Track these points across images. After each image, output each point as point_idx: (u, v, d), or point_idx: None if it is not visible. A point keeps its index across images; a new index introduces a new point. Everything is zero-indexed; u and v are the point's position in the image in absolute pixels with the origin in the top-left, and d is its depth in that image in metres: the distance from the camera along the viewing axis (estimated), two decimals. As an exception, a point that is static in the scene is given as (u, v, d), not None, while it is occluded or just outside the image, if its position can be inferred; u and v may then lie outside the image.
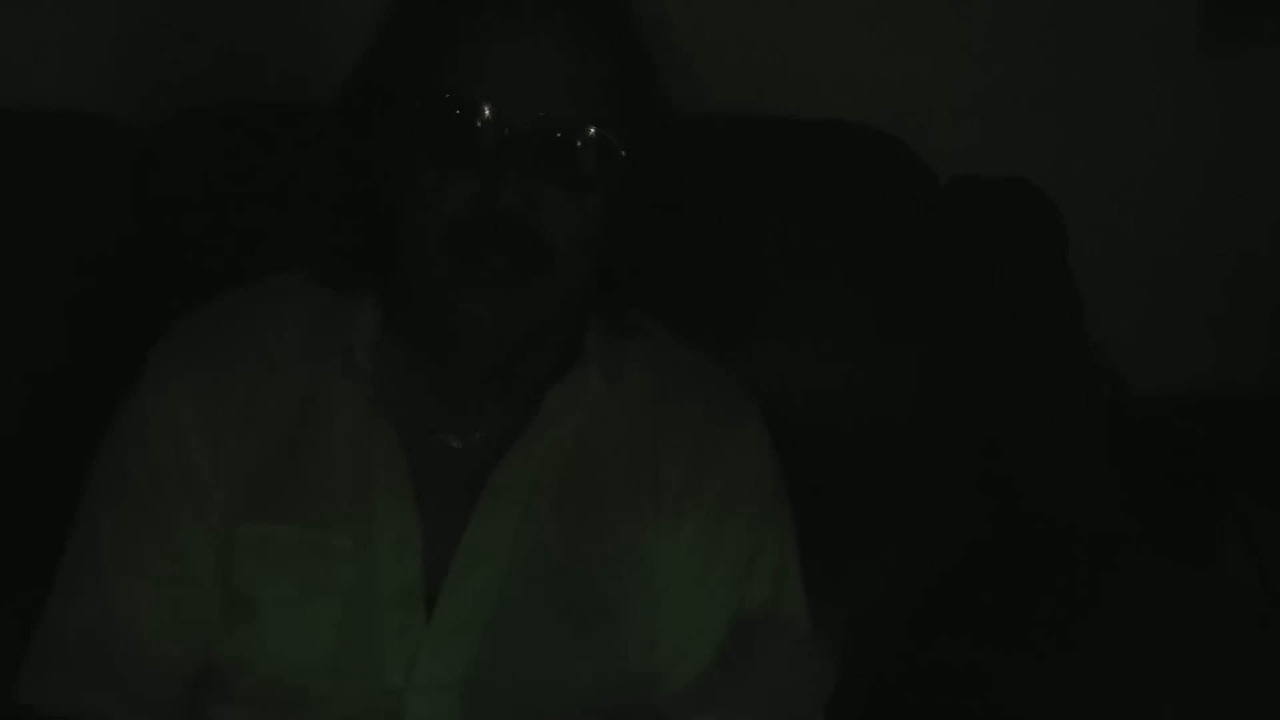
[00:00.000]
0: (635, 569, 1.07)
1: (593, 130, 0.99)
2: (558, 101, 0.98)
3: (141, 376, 1.08)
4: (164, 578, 1.04)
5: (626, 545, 1.07)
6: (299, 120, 1.36)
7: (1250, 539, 1.68)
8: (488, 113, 0.97)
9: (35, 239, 1.37)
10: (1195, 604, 1.31)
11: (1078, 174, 1.72)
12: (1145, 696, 1.17)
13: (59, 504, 1.08)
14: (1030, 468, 1.50)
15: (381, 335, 1.08)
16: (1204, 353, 1.87)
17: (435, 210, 0.99)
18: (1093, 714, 1.19)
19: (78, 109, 1.45)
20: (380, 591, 1.03)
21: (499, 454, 1.07)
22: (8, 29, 1.54)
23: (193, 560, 1.04)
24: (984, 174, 1.58)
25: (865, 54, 1.72)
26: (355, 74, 1.06)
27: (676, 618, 1.08)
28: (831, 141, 1.52)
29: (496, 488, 1.06)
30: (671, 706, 1.08)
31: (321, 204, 1.08)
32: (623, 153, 1.01)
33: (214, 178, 1.39)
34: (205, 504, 1.04)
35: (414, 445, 1.06)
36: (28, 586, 1.07)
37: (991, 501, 1.47)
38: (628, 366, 1.11)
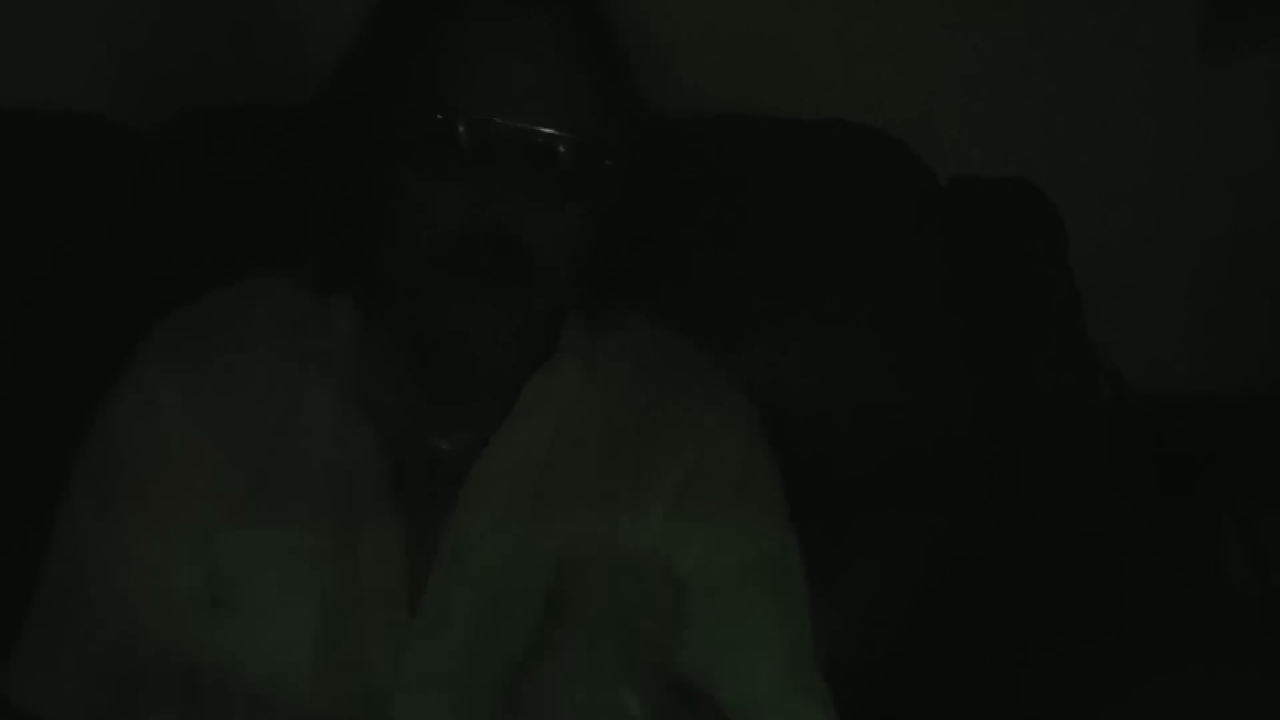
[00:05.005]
0: (620, 560, 1.07)
1: (578, 140, 0.98)
2: (543, 112, 0.98)
3: (120, 379, 1.08)
4: (146, 581, 1.04)
5: (609, 536, 1.07)
6: (299, 121, 1.36)
7: (1250, 539, 1.68)
8: (475, 125, 0.97)
9: (35, 239, 1.37)
10: (1195, 606, 1.30)
11: (1078, 174, 1.72)
12: (1144, 700, 1.17)
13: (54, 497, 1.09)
14: (1030, 468, 1.50)
15: (360, 338, 1.08)
16: (1204, 353, 1.87)
17: (423, 223, 0.98)
18: (1091, 716, 1.19)
19: (78, 109, 1.46)
20: (363, 591, 1.03)
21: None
22: (8, 29, 1.54)
23: (175, 563, 1.04)
24: (984, 174, 1.58)
25: (866, 54, 1.72)
26: (333, 81, 1.05)
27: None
28: (831, 141, 1.52)
29: (475, 484, 1.06)
30: None
31: (301, 206, 1.08)
32: (608, 162, 1.00)
33: (214, 178, 1.39)
34: (185, 507, 1.04)
35: (397, 446, 1.06)
36: (11, 578, 1.08)
37: (991, 502, 1.47)
38: (608, 357, 1.11)
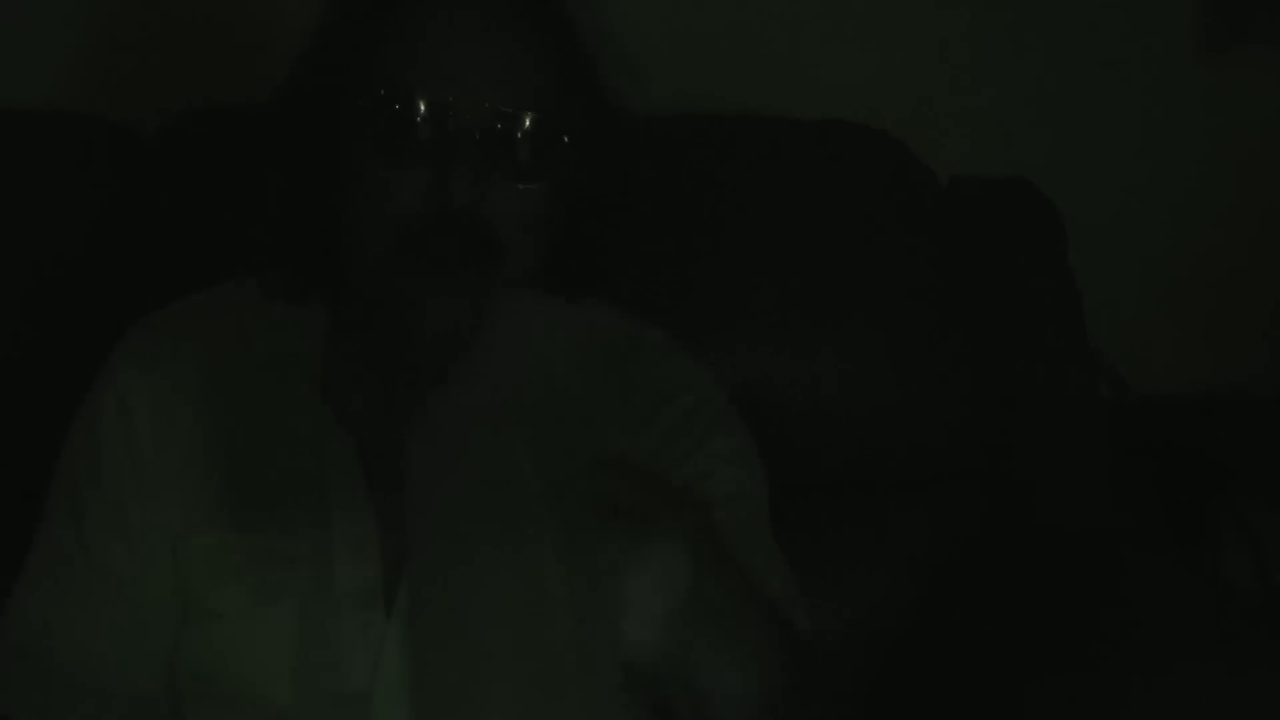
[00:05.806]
0: (589, 543, 1.06)
1: (537, 120, 0.98)
2: (501, 93, 0.98)
3: (94, 383, 1.08)
4: (122, 589, 1.05)
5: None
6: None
7: (1250, 538, 1.68)
8: (433, 108, 0.97)
9: (35, 239, 1.37)
10: (1194, 605, 1.30)
11: (1078, 174, 1.72)
12: (1143, 698, 1.17)
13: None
14: (1030, 468, 1.50)
15: (330, 340, 1.08)
16: (1204, 353, 1.87)
17: (386, 210, 0.98)
18: (1090, 714, 1.19)
19: (78, 109, 1.46)
20: (339, 594, 1.03)
21: None
22: (8, 29, 1.54)
23: (150, 570, 1.04)
24: (984, 174, 1.58)
25: (866, 54, 1.72)
26: (293, 73, 1.05)
27: None
28: (831, 141, 1.52)
29: None
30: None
31: (271, 204, 1.08)
32: (566, 140, 1.00)
33: (214, 178, 1.39)
34: (159, 513, 1.04)
35: (368, 447, 1.06)
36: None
37: (990, 502, 1.47)
38: (566, 345, 1.11)
